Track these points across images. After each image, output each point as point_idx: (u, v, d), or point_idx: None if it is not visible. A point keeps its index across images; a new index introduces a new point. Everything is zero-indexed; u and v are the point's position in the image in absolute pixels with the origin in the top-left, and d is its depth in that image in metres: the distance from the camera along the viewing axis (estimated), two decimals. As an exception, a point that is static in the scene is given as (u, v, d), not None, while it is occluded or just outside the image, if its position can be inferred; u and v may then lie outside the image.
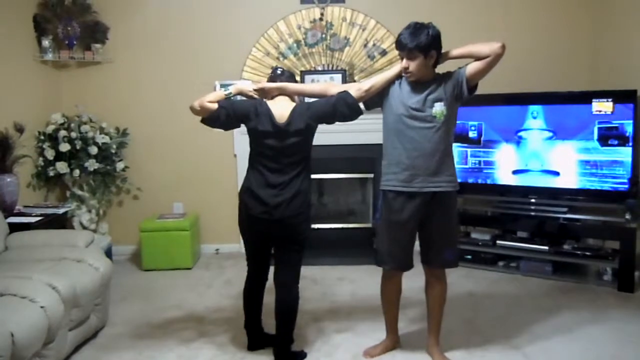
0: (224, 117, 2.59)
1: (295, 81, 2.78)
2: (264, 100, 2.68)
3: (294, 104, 2.63)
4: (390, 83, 2.61)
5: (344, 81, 4.40)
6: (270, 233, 2.68)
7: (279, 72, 2.75)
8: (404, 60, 2.50)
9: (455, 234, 2.74)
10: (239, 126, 2.69)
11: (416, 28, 2.47)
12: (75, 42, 4.49)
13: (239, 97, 2.73)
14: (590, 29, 4.48)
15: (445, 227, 2.65)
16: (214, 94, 2.64)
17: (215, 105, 2.58)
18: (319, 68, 4.60)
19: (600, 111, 3.76)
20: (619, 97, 3.73)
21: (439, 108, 2.51)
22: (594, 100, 3.78)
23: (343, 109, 2.58)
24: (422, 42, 2.44)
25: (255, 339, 2.88)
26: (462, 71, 2.53)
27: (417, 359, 2.78)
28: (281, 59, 4.60)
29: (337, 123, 2.69)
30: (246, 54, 4.58)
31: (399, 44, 2.50)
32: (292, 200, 2.57)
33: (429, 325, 2.80)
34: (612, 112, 3.73)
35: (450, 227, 2.68)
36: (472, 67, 2.50)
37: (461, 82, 2.52)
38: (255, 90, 2.69)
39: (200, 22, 4.60)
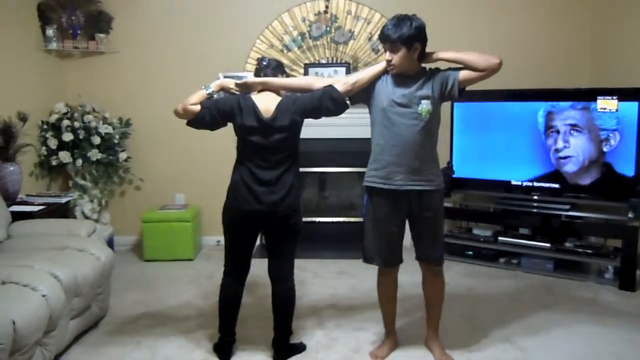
0: (208, 117, 2.55)
1: (283, 70, 2.72)
2: (249, 94, 2.63)
3: (279, 98, 2.59)
4: (376, 78, 2.58)
5: (348, 74, 4.39)
6: (264, 228, 2.68)
7: (264, 63, 2.68)
8: (387, 53, 2.48)
9: (441, 231, 2.72)
10: (226, 125, 2.63)
11: (399, 20, 2.44)
12: (79, 32, 4.48)
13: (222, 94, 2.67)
14: (593, 26, 4.44)
15: (430, 225, 2.62)
16: (196, 95, 2.56)
17: (198, 107, 2.53)
18: (323, 61, 4.59)
19: (604, 109, 3.73)
20: (624, 94, 3.70)
21: (425, 106, 2.48)
22: (598, 97, 3.75)
23: (328, 103, 2.55)
24: (404, 34, 2.41)
25: (229, 345, 2.78)
26: (455, 74, 2.49)
27: (416, 354, 2.79)
28: (285, 51, 4.59)
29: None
30: (250, 46, 4.57)
31: (382, 36, 2.47)
32: (286, 196, 2.56)
33: (428, 320, 2.80)
34: (617, 110, 3.70)
35: (437, 225, 2.65)
36: (465, 74, 2.48)
37: (452, 85, 2.49)
38: (238, 85, 2.63)
39: (205, 13, 4.58)
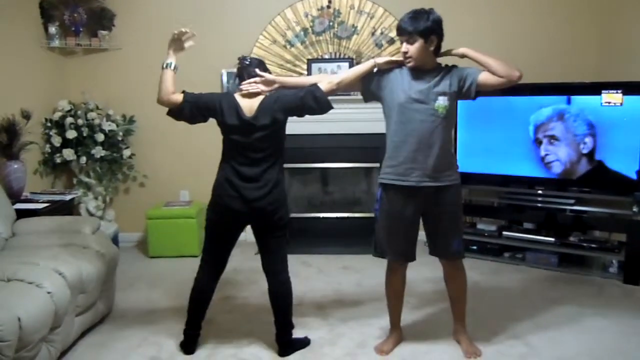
0: (187, 111, 2.57)
1: (265, 68, 2.71)
2: (231, 93, 2.63)
3: (262, 97, 2.60)
4: (362, 77, 2.59)
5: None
6: (251, 224, 2.70)
7: (246, 62, 2.67)
8: (404, 45, 2.47)
9: (461, 224, 2.72)
10: (206, 120, 2.65)
11: (416, 12, 2.45)
12: (81, 29, 4.48)
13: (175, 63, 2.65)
14: (598, 18, 4.41)
15: (449, 219, 2.62)
16: (166, 78, 2.57)
17: (180, 98, 2.56)
18: (326, 56, 4.58)
19: (609, 102, 3.72)
20: (629, 88, 3.68)
21: (442, 102, 2.47)
22: (603, 91, 3.74)
23: (311, 102, 2.56)
24: (421, 26, 2.41)
25: (194, 340, 2.81)
26: (474, 75, 2.48)
27: (421, 348, 2.79)
28: (288, 47, 4.58)
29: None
30: (253, 41, 4.57)
31: (399, 29, 2.47)
32: (270, 192, 2.57)
33: (454, 314, 2.82)
34: (622, 104, 3.69)
35: (455, 219, 2.65)
36: (485, 77, 2.46)
37: (470, 84, 2.48)
38: (260, 79, 2.61)
39: (207, 9, 4.57)
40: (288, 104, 2.58)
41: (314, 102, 2.56)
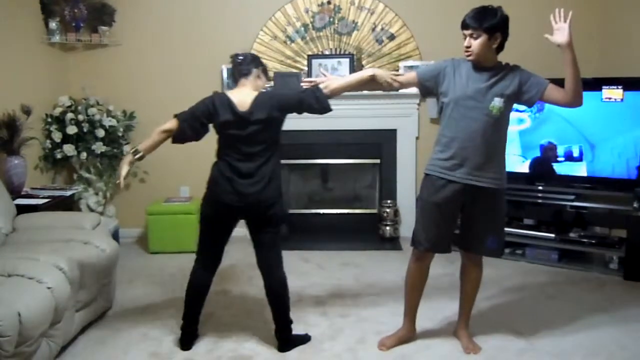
0: (189, 130, 2.60)
1: (259, 63, 2.72)
2: (222, 92, 2.68)
3: (255, 93, 2.61)
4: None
5: (351, 65, 4.38)
6: (245, 219, 2.71)
7: (239, 59, 2.69)
8: (467, 39, 2.46)
9: (501, 225, 2.70)
10: (207, 130, 2.67)
11: (484, 7, 2.45)
12: (82, 25, 4.47)
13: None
14: (598, 15, 4.40)
15: (488, 218, 2.61)
16: (151, 141, 2.72)
17: (174, 123, 2.60)
18: (327, 52, 4.57)
19: (610, 98, 3.72)
20: (629, 84, 3.67)
21: (497, 103, 2.45)
22: (603, 87, 3.74)
23: (311, 101, 2.60)
24: (487, 22, 2.40)
25: (191, 336, 2.82)
26: (542, 86, 2.47)
27: (427, 344, 2.79)
28: (288, 42, 4.57)
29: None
30: (253, 37, 4.56)
31: (464, 23, 2.46)
32: (265, 188, 2.59)
33: (461, 309, 2.81)
34: (622, 99, 3.69)
35: (494, 220, 2.63)
36: (553, 94, 2.47)
37: (535, 93, 2.47)
38: (324, 77, 2.70)
39: (207, 4, 4.57)
40: (285, 101, 2.62)
41: (315, 101, 2.60)
